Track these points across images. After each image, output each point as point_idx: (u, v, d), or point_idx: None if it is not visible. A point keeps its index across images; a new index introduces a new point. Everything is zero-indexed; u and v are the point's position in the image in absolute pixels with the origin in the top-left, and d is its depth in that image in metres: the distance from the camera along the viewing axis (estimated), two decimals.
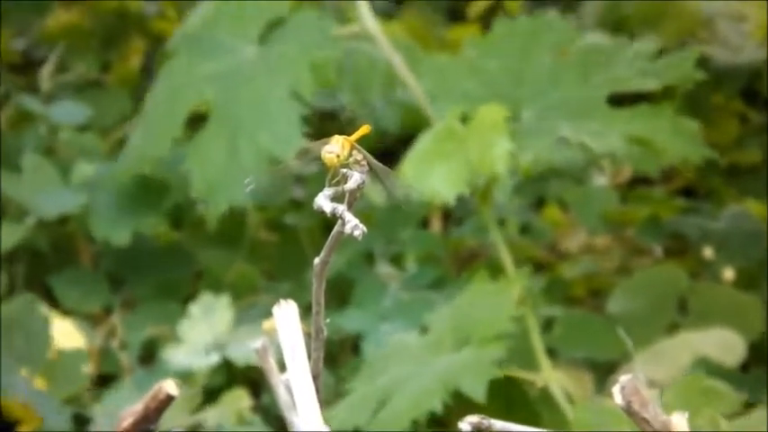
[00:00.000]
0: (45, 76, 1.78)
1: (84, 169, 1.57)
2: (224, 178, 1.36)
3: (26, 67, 1.89)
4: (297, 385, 0.76)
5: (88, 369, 1.43)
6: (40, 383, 1.37)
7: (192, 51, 1.42)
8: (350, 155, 0.72)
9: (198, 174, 1.38)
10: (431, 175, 1.27)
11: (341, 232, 0.72)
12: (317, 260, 0.76)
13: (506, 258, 1.31)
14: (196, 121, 1.42)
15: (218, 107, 1.38)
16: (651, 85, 1.36)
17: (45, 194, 1.54)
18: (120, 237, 1.52)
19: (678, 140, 1.32)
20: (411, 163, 1.30)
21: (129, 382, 1.44)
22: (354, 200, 0.72)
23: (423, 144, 1.32)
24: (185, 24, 1.48)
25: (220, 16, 1.43)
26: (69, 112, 1.70)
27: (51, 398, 1.35)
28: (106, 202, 1.54)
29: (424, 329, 1.32)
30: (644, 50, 1.38)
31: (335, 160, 0.72)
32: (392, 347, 1.32)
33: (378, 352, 1.33)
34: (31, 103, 1.70)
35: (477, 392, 1.18)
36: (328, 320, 0.78)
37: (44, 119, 1.67)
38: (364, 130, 0.74)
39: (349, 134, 0.73)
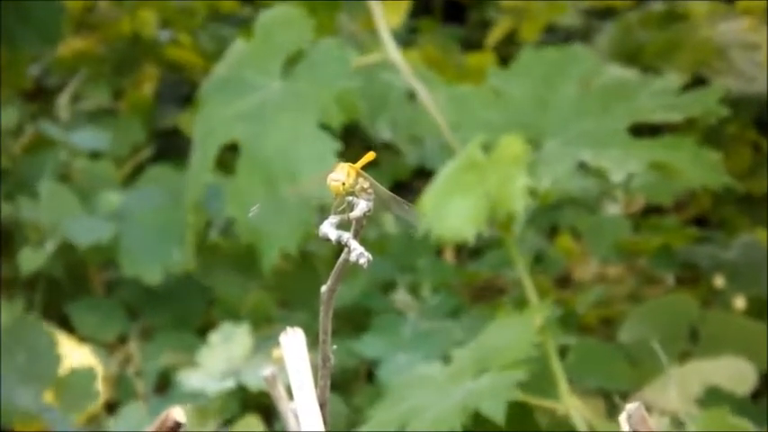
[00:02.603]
0: (63, 103, 1.80)
1: (111, 198, 1.57)
2: (271, 226, 1.34)
3: (39, 94, 1.90)
4: (303, 413, 0.77)
5: (100, 388, 1.43)
6: (49, 400, 1.38)
7: (221, 93, 1.43)
8: (356, 182, 0.73)
9: (243, 222, 1.36)
10: (450, 212, 1.26)
11: (347, 260, 0.73)
12: (323, 288, 0.77)
13: (531, 291, 1.30)
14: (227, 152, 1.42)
15: (247, 146, 1.37)
16: (674, 117, 1.36)
17: (70, 222, 1.54)
18: (153, 274, 1.53)
19: (699, 169, 1.32)
20: (431, 197, 1.29)
21: (139, 407, 1.44)
22: (361, 228, 0.73)
23: (444, 176, 1.31)
24: (217, 68, 1.49)
25: (245, 56, 1.43)
26: (88, 139, 1.71)
27: (64, 415, 1.35)
28: (134, 234, 1.54)
29: (447, 360, 1.32)
30: (668, 85, 1.39)
31: (341, 188, 0.72)
32: (414, 377, 1.31)
33: (399, 381, 1.32)
34: (50, 129, 1.71)
35: (497, 414, 1.17)
36: (335, 347, 0.78)
37: (64, 145, 1.68)
38: (369, 156, 0.75)
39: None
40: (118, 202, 1.57)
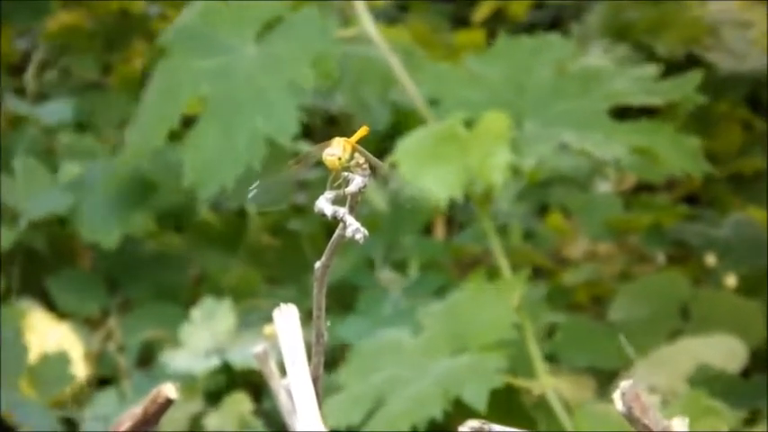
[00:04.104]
0: (30, 77, 1.78)
1: (72, 169, 1.55)
2: (216, 161, 1.34)
3: (26, 68, 1.89)
4: (297, 390, 0.76)
5: (79, 371, 1.42)
6: (24, 388, 1.37)
7: (189, 49, 1.42)
8: (351, 157, 0.72)
9: (190, 161, 1.36)
10: (426, 174, 1.27)
11: (342, 236, 0.72)
12: (317, 264, 0.76)
13: (503, 263, 1.31)
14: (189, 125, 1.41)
15: (215, 100, 1.37)
16: (654, 100, 1.37)
17: (34, 196, 1.52)
18: (110, 239, 1.50)
19: (679, 154, 1.34)
20: (407, 158, 1.30)
21: (123, 385, 1.43)
22: (356, 203, 0.72)
23: (420, 142, 1.32)
24: (179, 21, 1.48)
25: (219, 15, 1.43)
26: (56, 112, 1.68)
27: (35, 404, 1.34)
28: (94, 203, 1.52)
29: (417, 329, 1.32)
30: (646, 72, 1.40)
31: (337, 163, 0.71)
32: (384, 344, 1.31)
33: (367, 347, 1.32)
34: (17, 104, 1.69)
35: (479, 400, 1.19)
36: (329, 324, 0.78)
37: (33, 120, 1.66)
38: (363, 131, 0.74)
39: (350, 137, 0.73)
40: (78, 172, 1.55)
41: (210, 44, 1.41)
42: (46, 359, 1.39)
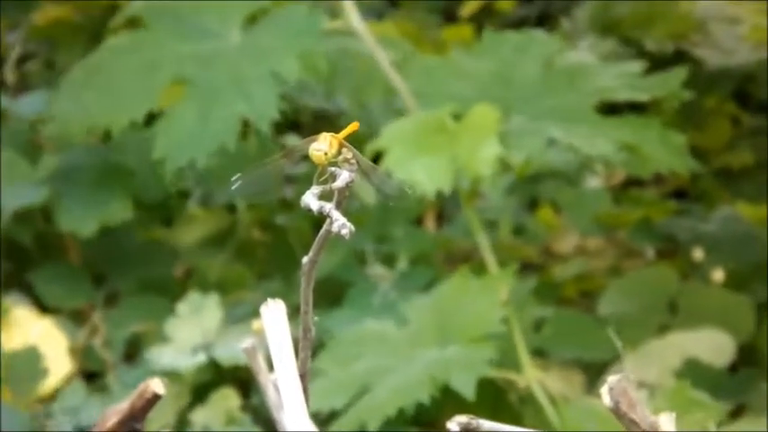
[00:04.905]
0: (9, 69, 1.78)
1: (49, 161, 1.55)
2: (189, 139, 1.33)
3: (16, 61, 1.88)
4: (284, 385, 0.76)
5: (64, 366, 1.41)
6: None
7: (170, 29, 1.41)
8: (339, 153, 0.72)
9: (163, 136, 1.35)
10: (414, 165, 1.27)
11: (329, 231, 0.72)
12: (305, 259, 0.75)
13: (489, 257, 1.31)
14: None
15: (196, 83, 1.37)
16: (639, 96, 1.37)
17: (11, 189, 1.51)
18: (87, 227, 1.49)
19: (665, 151, 1.34)
20: (394, 145, 1.29)
21: (109, 379, 1.43)
22: (343, 198, 0.71)
23: (409, 130, 1.32)
24: None
25: (204, 1, 1.43)
26: (28, 103, 1.67)
27: (12, 409, 1.33)
28: (72, 192, 1.51)
29: (402, 321, 1.32)
30: (631, 69, 1.40)
31: (323, 158, 0.71)
32: (366, 333, 1.31)
33: (348, 335, 1.32)
34: None
35: (467, 389, 1.18)
36: (316, 319, 0.78)
37: (10, 113, 1.65)
38: (353, 127, 0.74)
39: (338, 132, 0.72)
40: (56, 164, 1.54)
41: (193, 27, 1.41)
42: (17, 355, 1.38)
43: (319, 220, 0.72)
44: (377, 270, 1.54)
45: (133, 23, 1.46)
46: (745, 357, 1.41)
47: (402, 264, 1.55)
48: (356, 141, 0.74)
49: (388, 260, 1.58)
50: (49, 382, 1.41)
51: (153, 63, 1.40)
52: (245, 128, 1.36)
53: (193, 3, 1.43)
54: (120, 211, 1.50)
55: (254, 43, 1.38)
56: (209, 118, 1.34)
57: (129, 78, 1.40)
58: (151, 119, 1.39)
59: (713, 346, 1.38)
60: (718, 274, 1.60)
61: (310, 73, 1.36)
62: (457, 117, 1.32)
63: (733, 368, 1.39)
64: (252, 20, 1.40)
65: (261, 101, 1.33)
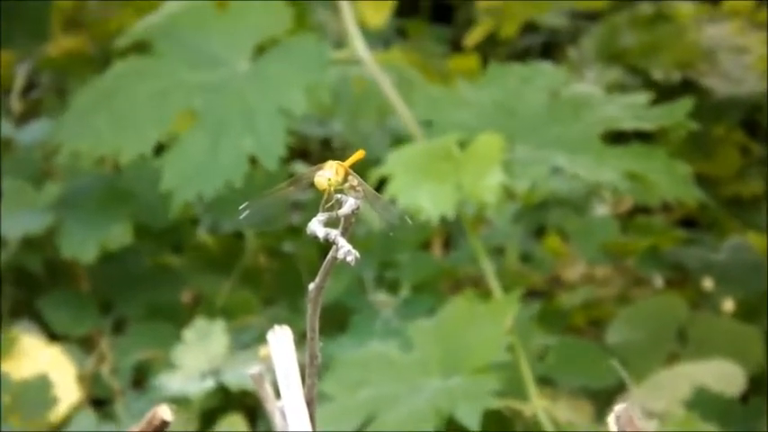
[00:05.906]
0: (15, 97, 1.79)
1: (52, 189, 1.55)
2: (197, 172, 1.34)
3: (27, 91, 1.89)
4: (291, 411, 0.76)
5: (72, 393, 1.41)
6: (7, 414, 1.36)
7: (179, 56, 1.42)
8: (344, 180, 0.72)
9: (171, 168, 1.36)
10: (418, 191, 1.28)
11: (335, 258, 0.72)
12: (311, 286, 0.76)
13: (494, 283, 1.31)
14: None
15: (206, 114, 1.38)
16: (644, 126, 1.38)
17: (14, 217, 1.52)
18: (87, 253, 1.49)
19: (670, 180, 1.34)
20: (399, 171, 1.30)
21: (117, 406, 1.42)
22: (349, 225, 0.72)
23: (414, 156, 1.32)
24: (161, 17, 1.47)
25: (215, 28, 1.44)
26: (31, 132, 1.68)
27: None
28: (73, 218, 1.51)
29: (407, 345, 1.32)
30: (636, 100, 1.41)
31: (329, 185, 0.71)
32: (371, 357, 1.31)
33: (354, 357, 1.32)
34: (4, 126, 1.68)
35: (472, 421, 1.18)
36: (321, 345, 0.78)
37: (13, 142, 1.66)
38: (359, 155, 0.74)
39: (344, 160, 0.73)
40: (61, 191, 1.54)
41: (202, 54, 1.42)
42: (27, 383, 1.38)
43: (326, 246, 0.72)
44: (379, 297, 1.54)
45: (140, 47, 1.46)
46: (755, 388, 1.40)
47: (405, 290, 1.55)
48: (359, 168, 0.74)
49: (393, 286, 1.58)
50: (59, 410, 1.40)
51: (162, 91, 1.41)
52: (254, 159, 1.36)
53: (199, 23, 1.44)
54: (119, 236, 1.50)
55: (262, 74, 1.39)
56: (217, 151, 1.35)
57: (138, 106, 1.41)
58: (161, 146, 1.40)
59: (723, 376, 1.37)
60: (728, 304, 1.59)
61: (314, 104, 1.37)
62: (462, 145, 1.32)
63: (743, 398, 1.38)
64: (260, 50, 1.41)
65: (268, 137, 1.34)
